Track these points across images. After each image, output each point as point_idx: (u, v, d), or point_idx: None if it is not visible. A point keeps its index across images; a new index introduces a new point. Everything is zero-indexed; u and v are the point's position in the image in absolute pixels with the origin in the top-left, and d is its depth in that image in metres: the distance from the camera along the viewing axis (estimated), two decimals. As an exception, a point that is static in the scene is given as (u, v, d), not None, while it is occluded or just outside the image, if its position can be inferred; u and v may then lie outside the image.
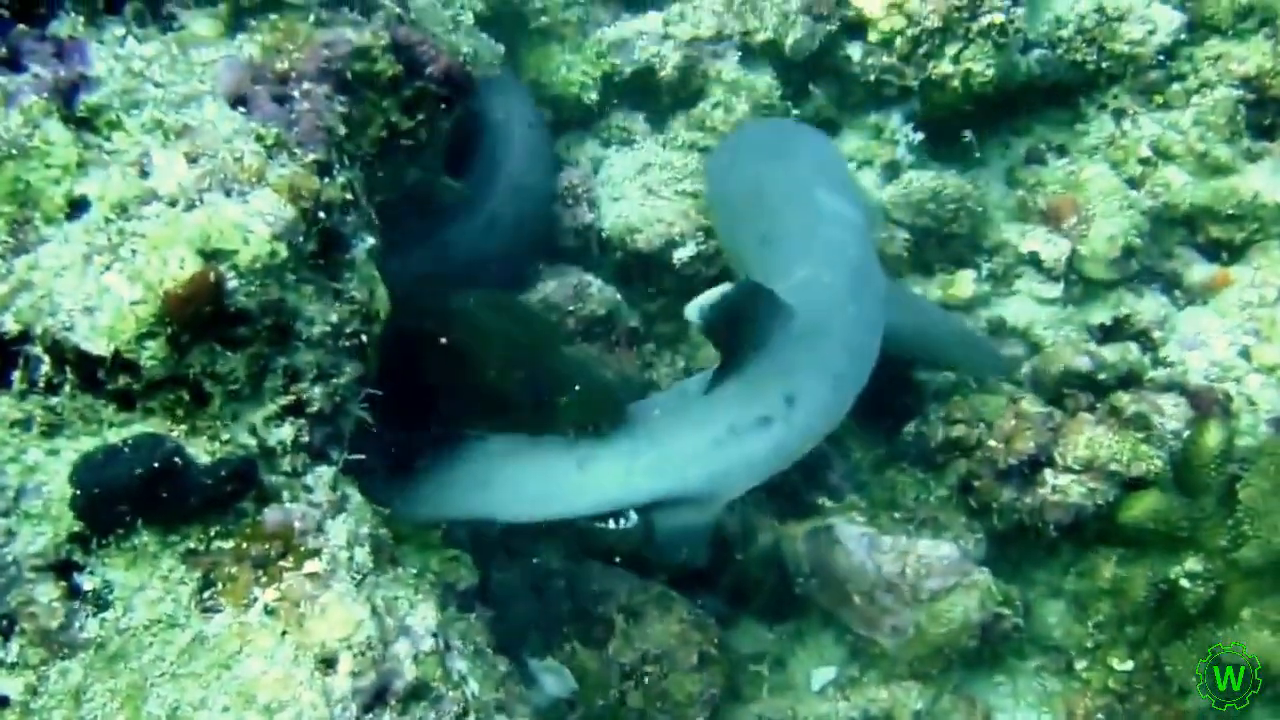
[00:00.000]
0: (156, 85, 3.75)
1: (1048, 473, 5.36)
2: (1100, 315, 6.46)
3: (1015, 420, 5.39)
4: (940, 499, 5.52)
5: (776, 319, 4.63)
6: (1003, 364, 5.97)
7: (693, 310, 4.44)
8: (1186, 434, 5.49)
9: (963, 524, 5.49)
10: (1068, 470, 5.32)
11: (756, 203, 5.56)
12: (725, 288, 4.46)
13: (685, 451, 4.75)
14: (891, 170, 6.56)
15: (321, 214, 3.65)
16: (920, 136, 6.54)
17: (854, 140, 6.66)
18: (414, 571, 3.77)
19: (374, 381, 3.98)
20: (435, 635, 3.57)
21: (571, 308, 5.77)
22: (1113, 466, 5.28)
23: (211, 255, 3.33)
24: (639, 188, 6.15)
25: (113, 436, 3.33)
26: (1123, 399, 5.48)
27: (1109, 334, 6.37)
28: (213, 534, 3.38)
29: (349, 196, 3.89)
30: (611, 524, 4.76)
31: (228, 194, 3.49)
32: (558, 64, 6.31)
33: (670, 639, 4.95)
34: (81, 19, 3.83)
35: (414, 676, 3.40)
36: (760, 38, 6.33)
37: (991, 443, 5.38)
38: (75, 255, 3.32)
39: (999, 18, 6.14)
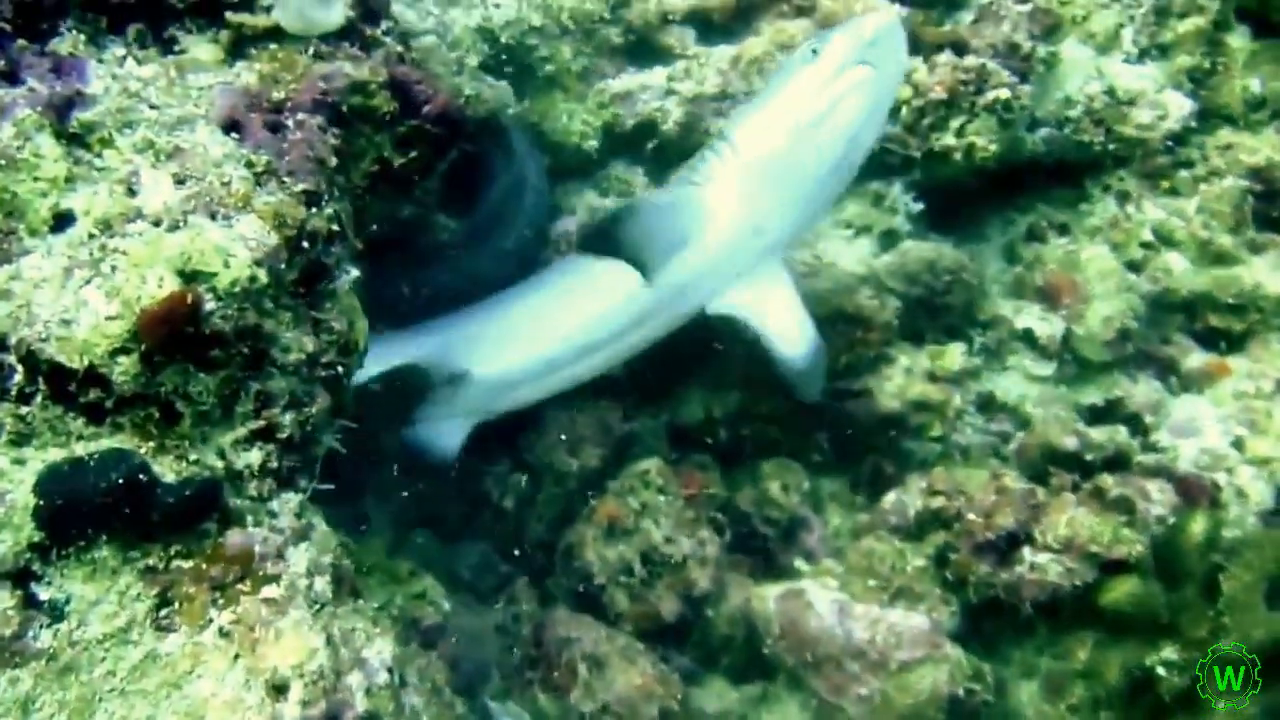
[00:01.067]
0: (152, 106, 3.79)
1: (1026, 550, 5.31)
2: (1092, 396, 6.42)
3: (996, 495, 5.35)
4: (917, 570, 5.46)
5: None
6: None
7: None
8: (1171, 521, 5.46)
9: (938, 596, 5.43)
10: (1047, 549, 5.27)
11: None
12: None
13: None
14: (889, 238, 6.58)
15: (306, 243, 3.68)
16: (920, 206, 6.57)
17: (853, 207, 6.65)
18: (375, 605, 3.76)
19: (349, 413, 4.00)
20: (390, 669, 3.55)
21: None
22: (1093, 548, 5.24)
23: (191, 276, 3.34)
24: (634, 241, 6.16)
25: (81, 449, 3.32)
26: (1107, 481, 5.45)
27: (1100, 416, 6.33)
28: (173, 553, 3.36)
29: (335, 228, 3.91)
30: None
31: (212, 217, 3.50)
32: (560, 112, 6.35)
33: (633, 691, 4.91)
34: (83, 37, 3.90)
35: (365, 709, 3.38)
36: (765, 98, 6.36)
37: (971, 516, 5.33)
38: (56, 268, 3.33)
39: (1004, 93, 6.19)
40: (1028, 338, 6.46)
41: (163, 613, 3.30)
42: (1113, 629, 5.34)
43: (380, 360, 5.04)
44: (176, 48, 4.12)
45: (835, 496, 6.05)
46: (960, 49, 6.40)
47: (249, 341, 3.47)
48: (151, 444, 3.40)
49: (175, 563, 3.36)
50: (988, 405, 6.36)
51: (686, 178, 5.57)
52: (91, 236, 3.40)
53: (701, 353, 6.02)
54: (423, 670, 4.14)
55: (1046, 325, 6.41)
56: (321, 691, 3.30)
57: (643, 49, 6.64)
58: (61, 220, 3.44)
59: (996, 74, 6.23)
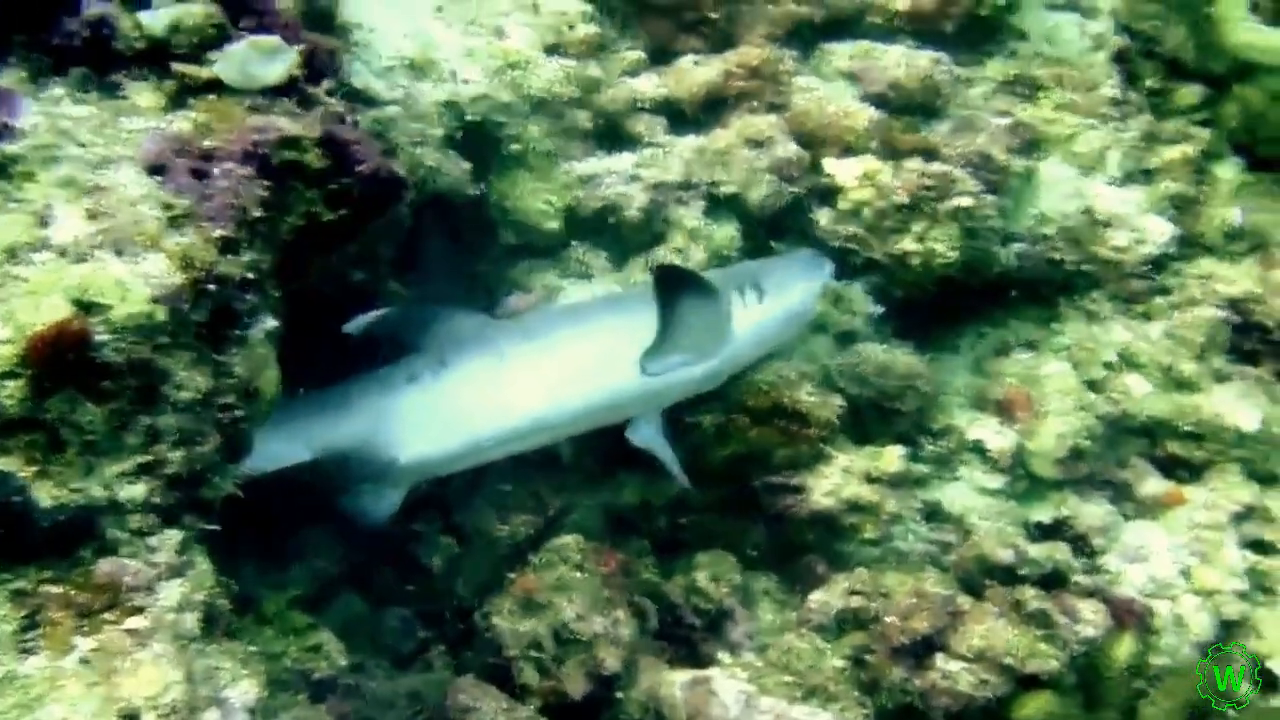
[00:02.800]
0: (79, 144, 3.87)
1: (939, 657, 5.28)
2: (1041, 514, 6.46)
3: (915, 599, 5.32)
4: (835, 670, 5.41)
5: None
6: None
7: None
8: (1098, 642, 5.43)
9: (853, 698, 5.38)
10: (960, 658, 5.25)
11: None
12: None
13: (352, 402, 5.54)
14: (846, 339, 6.60)
15: (213, 286, 3.72)
16: (880, 310, 6.59)
17: (813, 305, 6.69)
18: (248, 647, 3.74)
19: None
20: (252, 711, 3.55)
21: None
22: (1007, 660, 5.23)
23: (87, 307, 3.38)
24: (589, 321, 6.22)
25: (-38, 469, 3.36)
26: (1026, 593, 5.43)
27: (1048, 533, 6.33)
28: (44, 577, 3.38)
29: (251, 276, 3.95)
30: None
31: (119, 253, 3.57)
32: (523, 190, 6.40)
33: None
34: (24, 74, 3.99)
35: (217, 749, 3.38)
36: (726, 190, 6.42)
37: (889, 619, 5.31)
38: (-43, 291, 3.38)
39: (967, 201, 6.24)
40: (979, 449, 6.47)
41: (28, 635, 3.31)
42: (1022, 743, 5.29)
43: (305, 431, 5.19)
44: (119, 93, 4.21)
45: (769, 592, 6.03)
46: (931, 156, 6.44)
47: (141, 376, 3.50)
48: (34, 469, 3.42)
49: (45, 587, 3.38)
50: (933, 514, 6.35)
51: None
52: (-4, 263, 3.45)
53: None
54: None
55: (999, 438, 6.45)
56: (176, 725, 3.31)
57: (611, 134, 6.72)
58: (-34, 246, 3.49)
59: (962, 182, 6.28)
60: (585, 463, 6.19)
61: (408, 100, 5.86)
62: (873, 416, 6.46)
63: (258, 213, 4.05)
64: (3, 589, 3.33)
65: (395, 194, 4.70)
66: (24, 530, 3.33)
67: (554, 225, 6.44)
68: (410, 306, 5.63)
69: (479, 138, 6.23)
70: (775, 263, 6.13)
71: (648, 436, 5.84)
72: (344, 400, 5.52)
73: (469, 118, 6.13)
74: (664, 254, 6.40)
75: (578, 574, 5.38)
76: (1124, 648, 5.28)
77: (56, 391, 3.38)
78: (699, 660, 5.69)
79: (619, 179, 6.44)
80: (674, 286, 5.43)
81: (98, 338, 3.39)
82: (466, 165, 5.97)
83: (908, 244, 6.38)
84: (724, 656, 5.64)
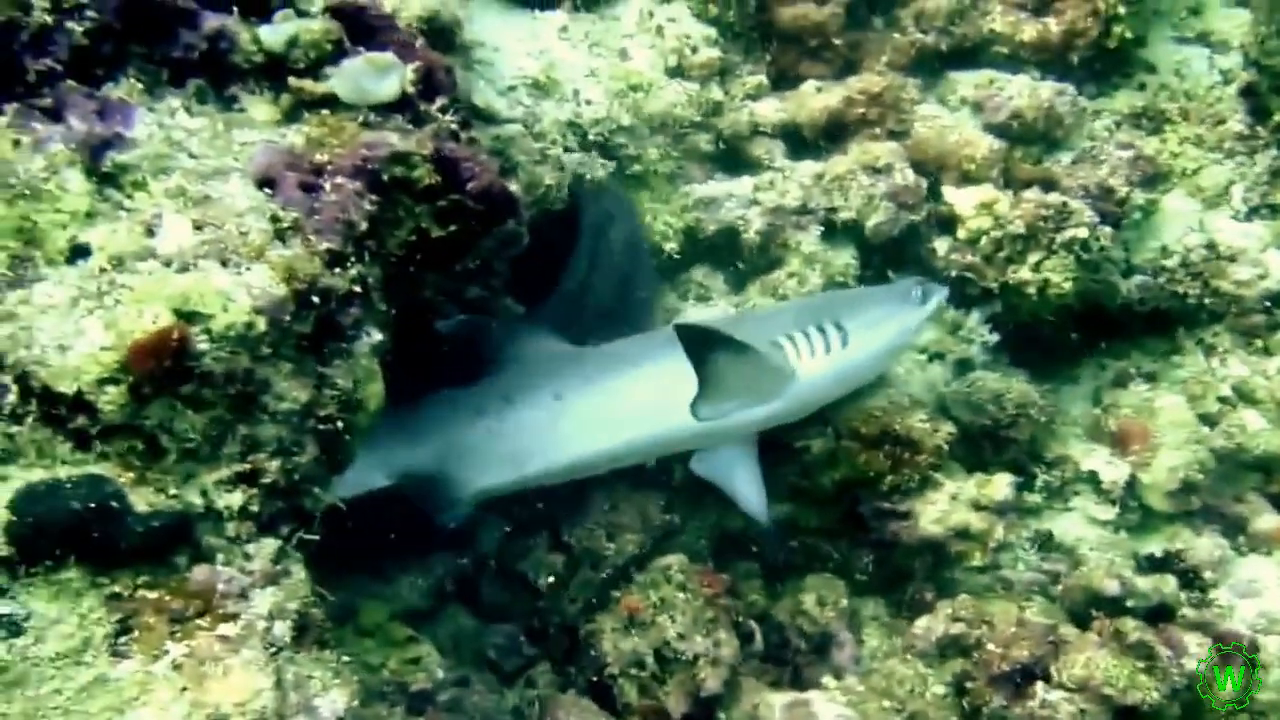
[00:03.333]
0: (191, 155, 3.95)
1: (1040, 686, 5.19)
2: (1152, 546, 6.36)
3: (1016, 627, 5.24)
4: (935, 696, 5.36)
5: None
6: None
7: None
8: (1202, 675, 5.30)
9: (957, 722, 5.34)
10: (1060, 686, 5.15)
11: None
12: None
13: (422, 428, 5.57)
14: (962, 366, 6.56)
15: (316, 299, 3.76)
16: (996, 338, 6.54)
17: (930, 332, 6.63)
18: (341, 657, 3.76)
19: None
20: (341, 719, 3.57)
21: None
22: (1106, 690, 5.12)
23: (188, 316, 3.43)
24: (704, 345, 6.21)
25: (63, 473, 3.42)
26: (1128, 624, 5.30)
27: (1158, 566, 6.19)
28: (140, 582, 3.43)
29: (357, 289, 3.99)
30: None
31: (223, 264, 3.62)
32: (644, 211, 6.42)
33: None
34: (139, 85, 4.07)
35: (303, 756, 3.41)
36: (843, 216, 6.40)
37: (990, 646, 5.23)
38: (65, 296, 3.45)
39: (1083, 233, 6.14)
40: (1092, 480, 6.37)
41: (121, 639, 3.36)
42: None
43: (383, 459, 5.44)
44: (235, 106, 4.30)
45: (876, 617, 6.00)
46: (1049, 186, 6.36)
47: (238, 385, 3.54)
48: (132, 474, 3.48)
49: (140, 592, 3.43)
50: (1044, 544, 6.24)
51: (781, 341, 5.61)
52: (103, 271, 3.51)
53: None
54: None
55: (1112, 469, 6.37)
56: (264, 732, 3.34)
57: (731, 157, 6.72)
58: (77, 252, 3.56)
59: (1079, 213, 6.18)
60: (694, 482, 6.16)
61: (529, 119, 5.90)
62: (986, 444, 6.41)
63: (365, 227, 4.09)
64: (98, 592, 3.39)
65: (507, 211, 4.73)
66: (119, 535, 3.38)
67: (672, 246, 6.44)
68: (492, 320, 5.66)
69: (601, 157, 6.25)
70: (869, 296, 5.96)
71: (712, 468, 5.85)
72: (416, 430, 5.58)
73: (590, 138, 6.15)
74: (781, 277, 6.37)
75: (681, 594, 5.36)
76: (1229, 682, 5.13)
77: (156, 399, 3.44)
78: (803, 683, 5.67)
79: (738, 202, 6.44)
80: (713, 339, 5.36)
81: (198, 346, 3.45)
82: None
83: (1024, 274, 6.31)
84: (828, 680, 5.58)
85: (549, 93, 6.09)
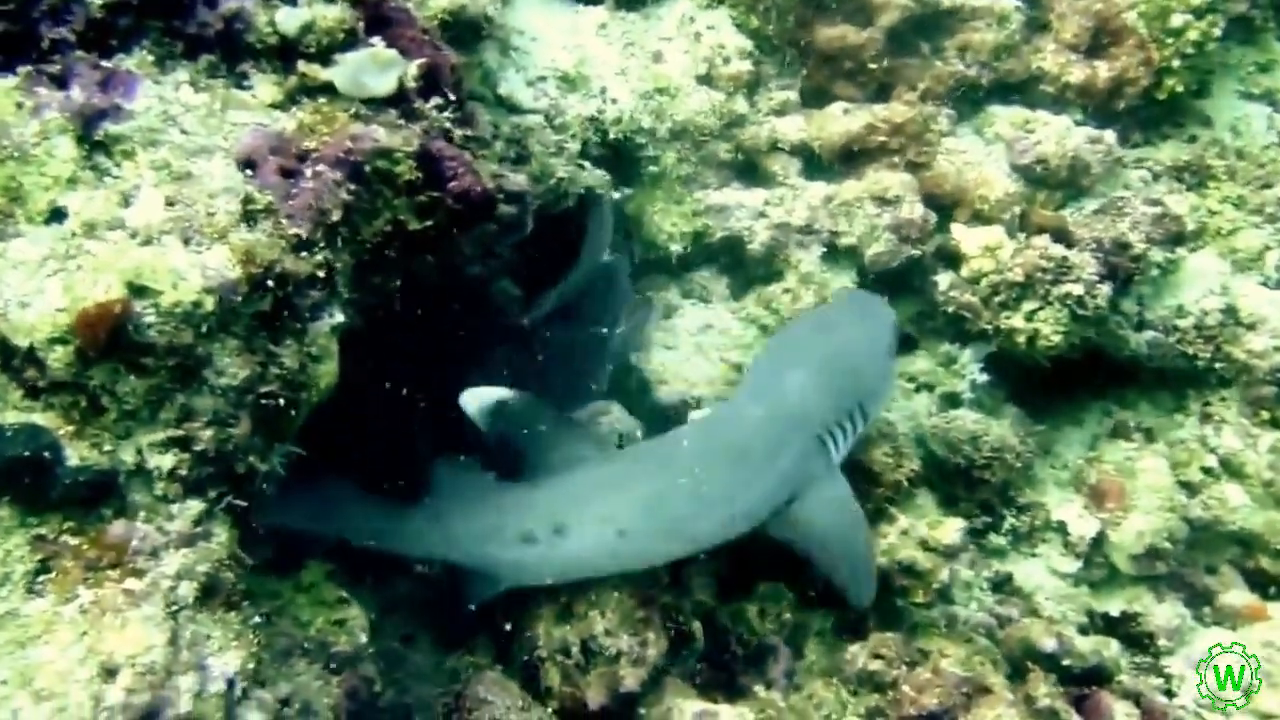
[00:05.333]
0: (182, 132, 4.16)
1: None
2: (1110, 605, 6.39)
3: (931, 674, 5.34)
4: (849, 730, 5.49)
5: (555, 441, 5.26)
6: (864, 600, 5.71)
7: (469, 399, 5.19)
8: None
9: (863, 761, 5.47)
10: None
11: (770, 355, 5.85)
12: (507, 391, 5.18)
13: (461, 531, 5.38)
14: (949, 401, 6.65)
15: (272, 282, 3.98)
16: (985, 378, 6.61)
17: (923, 362, 6.77)
18: (249, 619, 4.00)
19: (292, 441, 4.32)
20: (231, 682, 3.81)
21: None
22: (1008, 753, 5.22)
23: (138, 290, 3.67)
24: (692, 345, 6.40)
25: (11, 418, 3.68)
26: (1039, 688, 5.37)
27: (1111, 626, 6.25)
28: (65, 527, 3.69)
29: (320, 274, 4.21)
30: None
31: (185, 241, 3.84)
32: (655, 209, 6.58)
33: None
34: (151, 59, 4.31)
35: (187, 711, 3.63)
36: (845, 241, 6.51)
37: (905, 687, 5.34)
38: (36, 255, 3.69)
39: (1078, 289, 6.20)
40: (1061, 530, 6.44)
41: (39, 578, 3.61)
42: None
43: (436, 546, 5.52)
44: (245, 83, 4.52)
45: (822, 634, 6.05)
46: (1061, 236, 6.41)
47: (178, 358, 3.78)
48: (73, 428, 3.72)
49: (64, 537, 3.68)
50: (1001, 586, 6.33)
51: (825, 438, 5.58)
52: (74, 235, 3.75)
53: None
54: (306, 692, 4.43)
55: (1082, 523, 6.45)
56: (148, 684, 3.57)
57: (748, 169, 6.86)
58: (55, 215, 3.81)
59: (1079, 267, 6.23)
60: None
61: (552, 111, 6.07)
62: (959, 481, 6.49)
63: (338, 215, 4.27)
64: (25, 531, 3.65)
65: (484, 213, 4.90)
66: (50, 483, 3.65)
67: (676, 248, 6.60)
68: (527, 404, 5.40)
69: (620, 156, 6.41)
70: (868, 358, 5.81)
71: (782, 529, 5.60)
72: (458, 536, 5.45)
73: (611, 136, 6.31)
74: (777, 292, 6.51)
75: (615, 591, 5.51)
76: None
77: (101, 361, 3.70)
78: (738, 690, 5.77)
79: (747, 213, 6.59)
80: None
81: (145, 319, 3.67)
82: (606, 176, 6.17)
83: (1016, 321, 6.41)
84: (759, 690, 5.70)
85: (576, 87, 6.25)
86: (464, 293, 5.78)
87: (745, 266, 6.76)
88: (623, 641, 5.36)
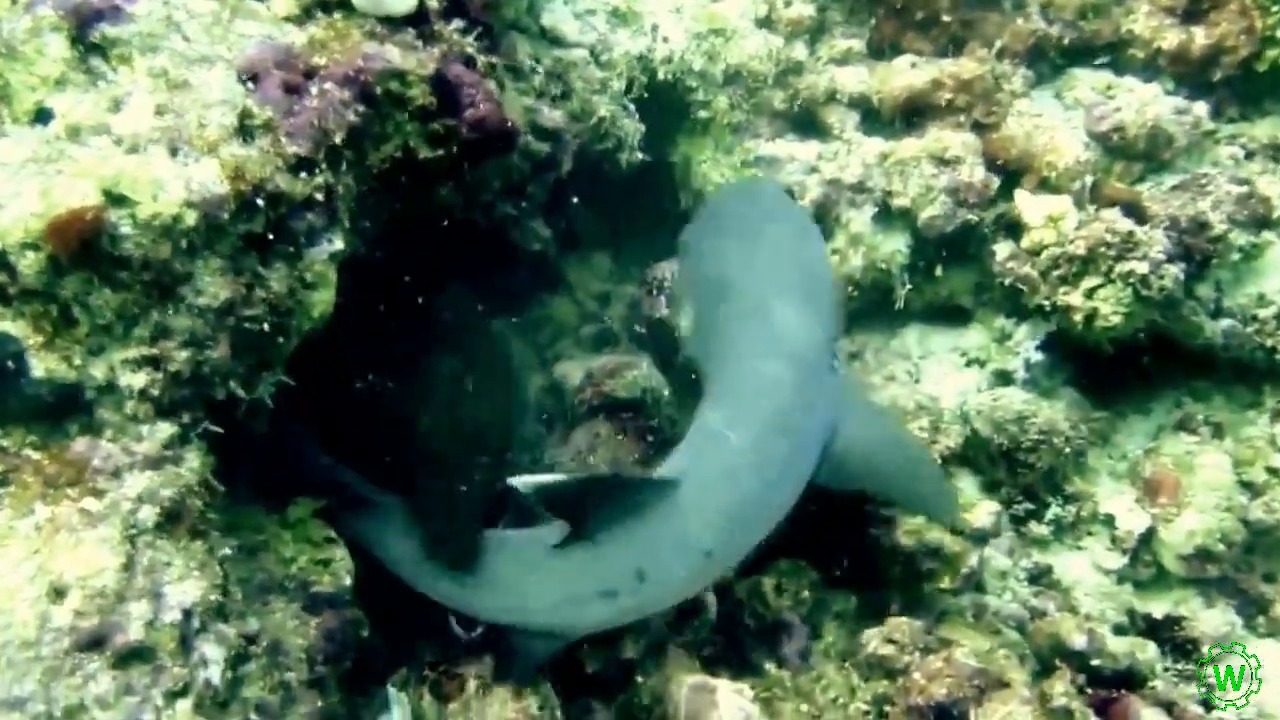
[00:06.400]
0: (185, 39, 4.01)
1: None
2: (1155, 607, 6.03)
3: (943, 664, 5.07)
4: (857, 711, 5.21)
5: (629, 506, 4.75)
6: (948, 507, 5.51)
7: (521, 483, 4.65)
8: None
9: (869, 747, 5.24)
10: None
11: (714, 300, 5.37)
12: (560, 476, 4.79)
13: (528, 603, 4.95)
14: (1000, 379, 6.33)
15: (262, 201, 3.81)
16: (1041, 357, 6.28)
17: (976, 336, 6.47)
18: (210, 550, 3.85)
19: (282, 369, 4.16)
20: (188, 612, 3.67)
21: (601, 381, 5.91)
22: (1017, 750, 4.95)
23: (117, 199, 3.52)
24: (729, 302, 6.15)
25: (-19, 323, 3.57)
26: (1056, 687, 5.09)
27: (1154, 629, 5.93)
28: (29, 441, 3.59)
29: (319, 197, 4.03)
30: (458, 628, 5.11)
31: (172, 153, 3.68)
32: (704, 157, 6.34)
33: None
34: (168, -43, 4.14)
35: (138, 639, 3.51)
36: (898, 202, 6.21)
37: (915, 675, 5.08)
38: (19, 157, 3.56)
39: (1143, 267, 5.84)
40: (1109, 524, 6.12)
41: (-2, 489, 3.55)
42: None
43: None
44: (263, -10, 4.35)
45: (841, 615, 5.81)
46: (1133, 211, 6.05)
47: (154, 273, 3.62)
48: (42, 338, 3.59)
49: (26, 450, 3.59)
50: (1039, 578, 6.04)
51: None
52: (58, 138, 3.63)
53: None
54: (282, 631, 4.27)
55: (1131, 518, 6.09)
56: (98, 608, 3.46)
57: (804, 120, 6.58)
58: (41, 116, 3.68)
59: (1145, 244, 5.87)
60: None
61: (599, 46, 5.84)
62: (1002, 464, 6.18)
63: (341, 137, 4.10)
64: (-12, 442, 3.57)
65: (502, 144, 4.70)
66: (11, 393, 3.52)
67: (723, 200, 6.37)
68: (578, 484, 4.92)
69: (669, 98, 6.17)
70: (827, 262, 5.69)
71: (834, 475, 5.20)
72: (542, 613, 5.03)
73: (660, 77, 6.07)
74: (826, 251, 6.25)
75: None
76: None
77: (74, 271, 3.55)
78: (746, 666, 5.57)
79: (799, 167, 6.31)
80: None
81: (121, 230, 3.53)
82: (640, 125, 5.93)
83: (1073, 298, 6.05)
84: (770, 668, 5.48)
85: (626, 22, 6.03)
86: (490, 231, 5.60)
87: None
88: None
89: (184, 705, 3.60)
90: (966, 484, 6.10)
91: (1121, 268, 5.90)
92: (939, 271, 6.43)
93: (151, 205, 3.55)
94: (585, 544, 4.78)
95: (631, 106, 5.92)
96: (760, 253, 5.34)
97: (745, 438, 4.89)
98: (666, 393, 6.06)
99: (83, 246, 3.49)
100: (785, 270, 5.30)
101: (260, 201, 3.81)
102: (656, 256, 6.51)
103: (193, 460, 3.86)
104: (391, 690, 5.00)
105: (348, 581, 4.62)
